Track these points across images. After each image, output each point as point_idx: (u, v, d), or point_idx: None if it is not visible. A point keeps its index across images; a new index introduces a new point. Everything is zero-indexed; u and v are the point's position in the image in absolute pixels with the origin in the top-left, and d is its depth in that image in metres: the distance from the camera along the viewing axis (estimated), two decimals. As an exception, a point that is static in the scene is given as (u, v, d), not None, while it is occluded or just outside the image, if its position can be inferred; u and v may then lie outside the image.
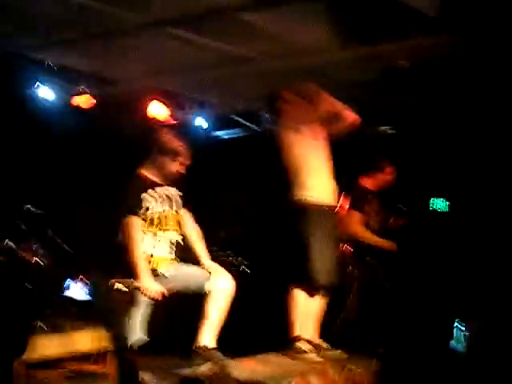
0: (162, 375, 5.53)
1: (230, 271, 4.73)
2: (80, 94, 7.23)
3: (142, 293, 4.30)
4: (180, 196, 4.71)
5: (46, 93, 7.35)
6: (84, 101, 7.27)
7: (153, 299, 4.35)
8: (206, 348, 4.47)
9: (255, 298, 7.13)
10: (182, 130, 8.28)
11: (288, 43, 5.82)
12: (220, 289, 4.55)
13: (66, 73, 7.13)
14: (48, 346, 6.06)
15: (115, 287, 4.38)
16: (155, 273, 4.50)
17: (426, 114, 7.16)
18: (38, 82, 7.23)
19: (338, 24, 5.67)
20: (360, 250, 5.71)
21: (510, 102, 6.45)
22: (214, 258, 4.80)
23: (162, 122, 7.77)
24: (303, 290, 5.01)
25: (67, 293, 5.36)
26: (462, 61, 5.94)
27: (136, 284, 4.30)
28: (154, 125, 7.52)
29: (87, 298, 5.49)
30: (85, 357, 6.28)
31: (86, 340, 6.32)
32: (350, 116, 5.10)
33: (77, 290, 4.73)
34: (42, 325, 6.20)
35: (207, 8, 4.89)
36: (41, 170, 7.64)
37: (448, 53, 5.79)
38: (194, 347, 4.51)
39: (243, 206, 8.92)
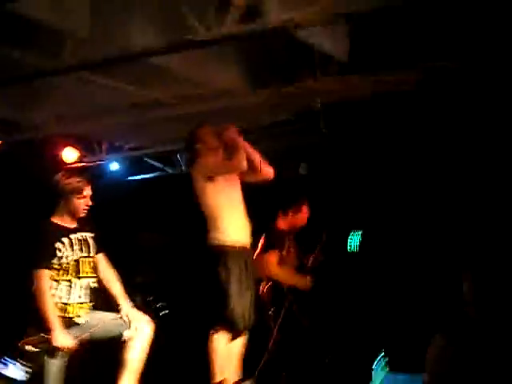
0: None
1: (149, 316, 4.65)
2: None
3: (53, 347, 4.20)
4: (93, 238, 4.63)
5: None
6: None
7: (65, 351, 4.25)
8: None
9: (176, 343, 7.04)
10: (96, 174, 8.21)
11: (201, 86, 5.86)
12: (140, 336, 4.47)
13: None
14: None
15: (26, 348, 4.26)
16: (71, 321, 4.39)
17: (338, 154, 7.30)
18: None
19: (250, 66, 5.77)
20: (278, 290, 5.72)
21: (415, 140, 6.65)
22: (133, 302, 4.71)
23: (72, 167, 7.64)
24: (223, 333, 4.98)
25: (5, 371, 5.07)
26: (371, 102, 6.11)
27: (47, 338, 4.20)
28: (59, 169, 7.36)
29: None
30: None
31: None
32: (266, 171, 5.17)
33: (15, 371, 4.54)
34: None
35: (120, 52, 4.87)
36: None
37: (358, 94, 5.95)
38: None
39: (161, 250, 8.84)
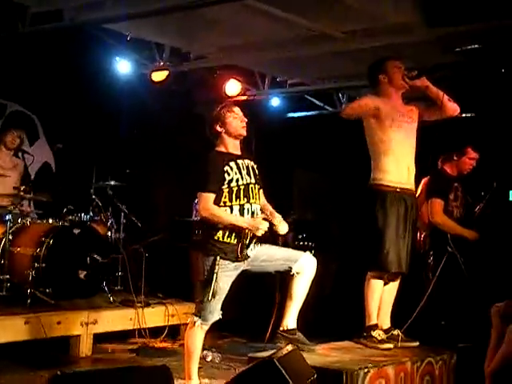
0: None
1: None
2: (158, 69, 7.16)
3: (251, 231, 4.28)
4: (258, 169, 4.61)
5: (124, 66, 7.33)
6: (161, 76, 7.20)
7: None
8: (291, 330, 4.46)
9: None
10: (256, 108, 8.22)
11: (375, 21, 5.64)
12: (306, 271, 4.46)
13: (144, 46, 7.10)
14: (117, 319, 6.07)
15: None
16: (243, 248, 4.40)
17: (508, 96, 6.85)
18: (117, 56, 7.22)
19: (428, 2, 5.46)
20: (441, 239, 5.46)
21: None
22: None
23: (235, 99, 7.67)
24: (378, 276, 4.86)
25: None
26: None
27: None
28: (222, 100, 7.41)
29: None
30: (154, 332, 6.27)
31: (156, 316, 6.31)
32: (452, 107, 4.91)
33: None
34: (112, 299, 6.24)
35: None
36: (116, 143, 7.67)
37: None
38: (279, 330, 4.48)
39: (317, 188, 8.78)
